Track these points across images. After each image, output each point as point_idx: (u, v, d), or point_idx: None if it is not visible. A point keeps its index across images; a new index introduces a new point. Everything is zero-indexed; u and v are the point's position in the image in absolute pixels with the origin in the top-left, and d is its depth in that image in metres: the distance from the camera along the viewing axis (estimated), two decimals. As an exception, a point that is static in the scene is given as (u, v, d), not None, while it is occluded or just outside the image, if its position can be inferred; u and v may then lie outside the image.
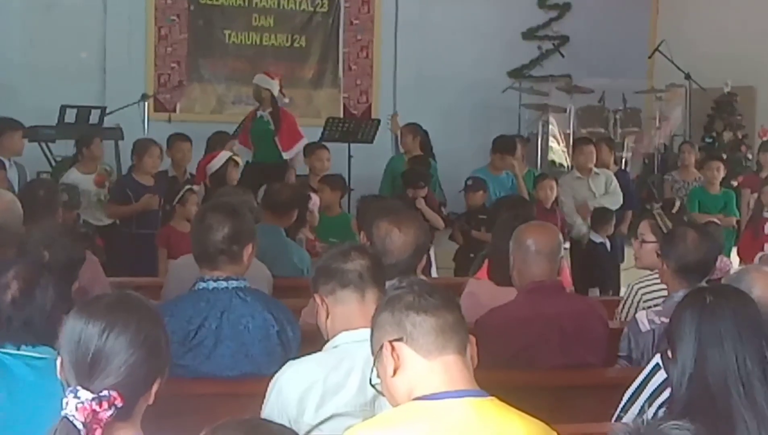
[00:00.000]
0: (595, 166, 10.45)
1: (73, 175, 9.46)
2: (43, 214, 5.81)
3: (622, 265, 10.02)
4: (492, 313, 4.64)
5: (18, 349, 3.22)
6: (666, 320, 4.04)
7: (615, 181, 10.45)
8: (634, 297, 5.78)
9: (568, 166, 12.95)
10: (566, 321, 4.61)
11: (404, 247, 4.36)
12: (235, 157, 9.46)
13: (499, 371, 4.16)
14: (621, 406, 3.75)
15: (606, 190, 10.29)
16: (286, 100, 11.05)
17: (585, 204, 10.08)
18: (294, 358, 3.56)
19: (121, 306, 2.54)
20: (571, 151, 12.95)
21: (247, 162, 10.16)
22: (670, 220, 6.04)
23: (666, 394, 3.59)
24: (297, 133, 10.49)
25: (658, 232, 5.90)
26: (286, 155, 10.33)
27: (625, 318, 5.70)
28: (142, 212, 8.91)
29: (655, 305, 5.55)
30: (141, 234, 8.74)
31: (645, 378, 3.69)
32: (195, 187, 8.70)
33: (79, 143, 9.86)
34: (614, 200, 10.25)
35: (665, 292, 5.48)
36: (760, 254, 8.73)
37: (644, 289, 5.77)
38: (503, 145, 10.78)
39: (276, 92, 10.59)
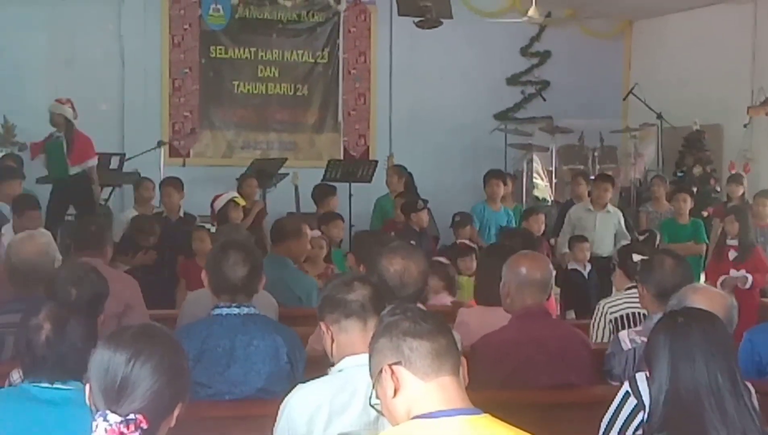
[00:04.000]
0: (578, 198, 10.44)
1: (128, 213, 9.94)
2: (96, 247, 5.78)
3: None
4: (486, 339, 4.66)
5: (51, 384, 3.23)
6: (645, 339, 4.06)
7: (623, 224, 10.42)
8: (601, 313, 5.87)
9: (551, 201, 13.00)
10: (552, 344, 4.62)
11: (420, 278, 4.39)
12: (236, 199, 9.49)
13: (491, 391, 4.17)
14: (601, 432, 3.75)
15: (618, 231, 10.24)
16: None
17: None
18: (302, 381, 3.58)
19: (145, 336, 2.56)
20: (554, 187, 13.05)
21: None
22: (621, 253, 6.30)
23: (639, 417, 3.60)
24: (88, 153, 10.64)
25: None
26: (72, 169, 10.47)
27: (596, 335, 5.79)
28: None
29: (618, 316, 5.68)
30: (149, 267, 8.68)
31: (618, 405, 3.70)
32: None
33: (134, 187, 10.33)
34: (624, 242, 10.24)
35: (627, 306, 5.58)
36: (721, 278, 8.78)
37: (610, 304, 5.88)
38: (493, 173, 10.75)
39: (69, 116, 10.63)
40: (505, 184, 10.83)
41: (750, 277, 8.87)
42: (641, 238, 9.81)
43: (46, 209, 9.77)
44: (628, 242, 9.94)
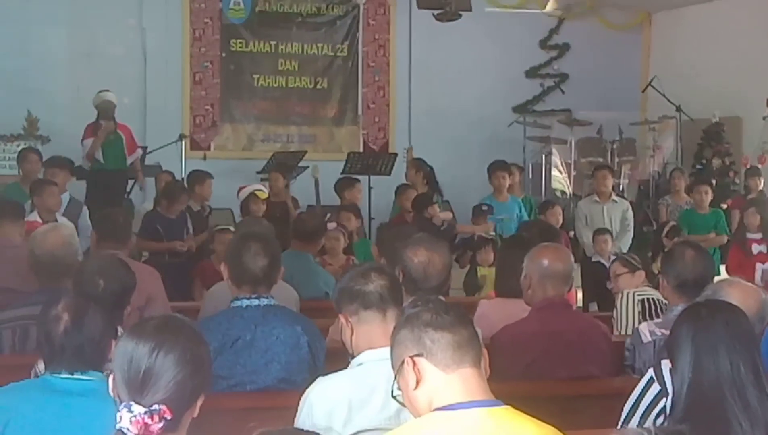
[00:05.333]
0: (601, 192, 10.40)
1: (148, 205, 10.05)
2: (120, 238, 5.80)
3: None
4: (506, 330, 4.65)
5: (71, 374, 3.24)
6: (665, 332, 4.04)
7: (630, 214, 10.37)
8: (626, 302, 5.86)
9: (569, 194, 12.95)
10: (572, 336, 4.60)
11: (443, 270, 4.40)
12: (258, 192, 9.50)
13: (511, 382, 4.16)
14: (622, 418, 3.74)
15: (621, 223, 10.21)
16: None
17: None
18: (323, 373, 3.57)
19: (168, 328, 2.56)
20: (572, 180, 13.00)
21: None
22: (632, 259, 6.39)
23: (662, 404, 3.59)
24: (135, 144, 10.89)
25: (629, 265, 6.42)
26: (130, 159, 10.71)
27: (622, 321, 5.78)
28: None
29: (646, 299, 5.69)
30: (172, 263, 8.67)
31: (642, 391, 3.68)
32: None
33: (155, 179, 10.54)
34: (627, 238, 10.20)
35: (652, 291, 5.57)
36: (759, 270, 8.79)
37: (630, 293, 5.86)
38: (498, 165, 10.71)
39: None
40: (510, 174, 10.75)
41: (760, 269, 8.86)
42: (665, 230, 9.71)
43: (86, 199, 9.94)
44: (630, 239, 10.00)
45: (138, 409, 2.39)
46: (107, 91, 10.83)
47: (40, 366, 3.67)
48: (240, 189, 9.78)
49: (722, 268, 9.82)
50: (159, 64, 12.94)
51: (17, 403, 3.16)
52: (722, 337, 3.09)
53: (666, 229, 9.67)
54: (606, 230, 9.89)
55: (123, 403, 2.43)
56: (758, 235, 9.23)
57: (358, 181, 10.49)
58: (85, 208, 8.86)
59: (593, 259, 9.84)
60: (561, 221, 10.02)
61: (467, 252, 9.52)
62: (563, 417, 3.05)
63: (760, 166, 12.01)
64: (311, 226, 7.17)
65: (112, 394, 2.53)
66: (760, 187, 11.21)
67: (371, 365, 3.36)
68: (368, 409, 3.30)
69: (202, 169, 10.42)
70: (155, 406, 2.40)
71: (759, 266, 8.93)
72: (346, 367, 3.51)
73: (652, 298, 5.89)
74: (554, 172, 13.53)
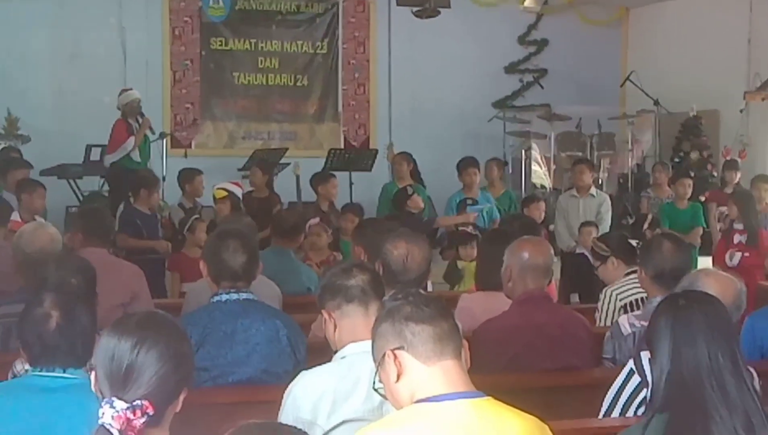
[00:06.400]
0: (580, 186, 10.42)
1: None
2: (105, 236, 5.89)
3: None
4: (488, 324, 4.66)
5: (64, 372, 3.23)
6: (645, 323, 4.05)
7: (608, 207, 10.34)
8: (609, 300, 5.82)
9: (549, 188, 12.99)
10: (554, 329, 4.62)
11: (422, 263, 4.43)
12: (215, 192, 9.40)
13: (494, 375, 4.18)
14: (604, 409, 3.76)
15: (596, 217, 10.23)
16: None
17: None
18: (305, 367, 3.58)
19: (150, 324, 2.55)
20: (552, 174, 13.03)
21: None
22: (605, 244, 6.22)
23: (642, 394, 3.61)
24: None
25: (598, 255, 6.17)
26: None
27: (604, 321, 5.74)
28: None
29: (629, 301, 5.64)
30: (147, 259, 8.62)
31: (622, 382, 3.71)
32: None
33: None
34: (602, 229, 10.15)
35: (637, 291, 5.54)
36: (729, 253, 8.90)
37: (616, 291, 5.81)
38: (469, 162, 10.73)
39: None
40: (484, 170, 10.77)
41: (738, 255, 8.90)
42: (647, 223, 9.76)
43: (114, 196, 10.05)
44: (606, 230, 10.01)
45: (120, 404, 2.38)
46: (130, 89, 10.93)
47: (18, 367, 3.65)
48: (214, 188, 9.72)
49: (702, 260, 9.88)
50: (139, 63, 12.89)
51: (4, 402, 3.15)
52: (701, 327, 3.10)
53: (647, 222, 9.71)
54: (592, 223, 9.92)
55: (105, 399, 2.43)
56: (741, 226, 9.30)
57: (334, 176, 10.47)
58: None
59: (577, 251, 9.87)
60: (543, 216, 10.05)
61: (452, 246, 9.52)
62: (545, 408, 3.06)
63: (739, 160, 12.06)
64: (291, 222, 7.19)
65: (94, 390, 2.53)
66: (736, 181, 11.27)
67: (354, 358, 3.37)
68: (352, 401, 3.31)
69: (186, 166, 10.44)
70: (137, 402, 2.40)
71: (733, 253, 8.99)
72: (329, 362, 3.52)
73: (636, 300, 5.71)
74: (534, 167, 13.56)
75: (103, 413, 2.38)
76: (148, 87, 12.83)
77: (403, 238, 4.46)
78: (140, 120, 10.72)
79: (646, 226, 9.84)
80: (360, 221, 7.79)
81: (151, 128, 10.89)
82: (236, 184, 10.04)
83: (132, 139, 10.54)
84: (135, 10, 12.88)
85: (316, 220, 8.44)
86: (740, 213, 9.17)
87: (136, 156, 10.61)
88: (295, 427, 2.22)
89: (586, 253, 9.73)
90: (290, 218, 7.34)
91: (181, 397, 2.54)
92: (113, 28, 12.87)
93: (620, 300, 5.75)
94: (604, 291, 5.95)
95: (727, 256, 8.99)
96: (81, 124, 11.98)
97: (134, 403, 2.39)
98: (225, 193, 9.41)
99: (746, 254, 8.72)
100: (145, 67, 12.93)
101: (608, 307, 5.80)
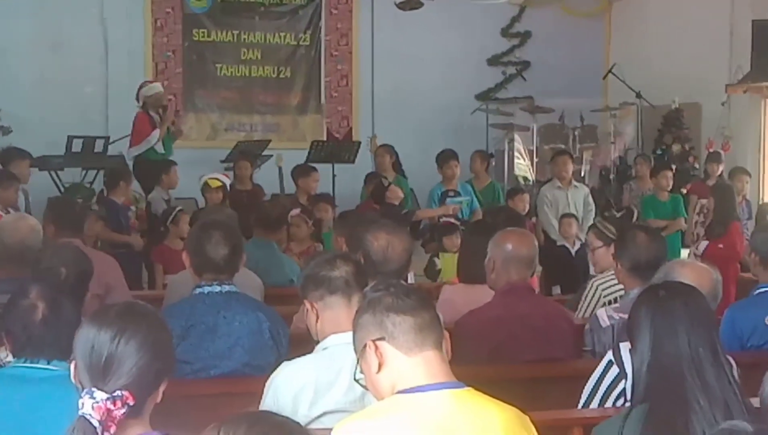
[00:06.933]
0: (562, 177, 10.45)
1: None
2: (77, 227, 5.86)
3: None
4: (470, 315, 4.67)
5: (48, 364, 3.21)
6: (624, 316, 4.06)
7: (591, 199, 10.45)
8: (593, 293, 5.82)
9: (532, 180, 13.00)
10: (536, 320, 4.63)
11: (403, 254, 4.41)
12: (209, 181, 9.42)
13: (476, 366, 4.18)
14: (583, 400, 3.77)
15: (585, 207, 10.27)
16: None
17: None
18: (287, 358, 3.57)
19: (129, 314, 2.55)
20: (535, 166, 13.05)
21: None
22: (612, 225, 6.15)
23: (621, 386, 3.63)
24: None
25: (604, 237, 6.04)
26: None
27: (585, 312, 5.75)
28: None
29: (613, 297, 5.63)
30: (120, 252, 8.60)
31: (601, 374, 3.73)
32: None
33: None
34: (590, 221, 10.24)
35: (619, 288, 5.54)
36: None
37: (603, 285, 5.82)
38: (449, 154, 10.74)
39: None
40: (457, 162, 10.79)
41: (704, 243, 8.93)
42: (618, 214, 9.81)
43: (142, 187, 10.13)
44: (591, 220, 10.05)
45: (100, 395, 2.38)
46: (152, 81, 11.15)
47: (2, 354, 3.63)
48: (201, 179, 9.73)
49: (684, 251, 9.92)
50: (121, 54, 12.83)
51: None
52: (681, 318, 3.12)
53: (634, 216, 9.75)
54: (572, 214, 9.96)
55: (85, 390, 2.42)
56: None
57: (315, 169, 10.46)
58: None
59: (558, 243, 9.91)
60: (528, 208, 10.08)
61: (433, 239, 9.53)
62: (527, 399, 3.08)
63: (722, 152, 12.09)
64: (274, 214, 7.17)
65: (73, 380, 2.52)
66: (719, 173, 11.30)
67: (336, 349, 3.37)
68: (333, 391, 3.31)
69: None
70: (118, 392, 2.39)
71: (699, 241, 9.04)
72: (311, 353, 3.52)
73: (619, 297, 5.51)
74: (517, 159, 13.56)
75: (83, 404, 2.37)
76: (131, 78, 12.75)
77: (383, 229, 4.45)
78: (161, 112, 10.78)
79: (635, 219, 9.84)
80: (341, 213, 7.79)
81: (173, 120, 10.98)
82: (225, 175, 10.09)
83: (157, 132, 10.63)
84: (117, 1, 12.82)
85: (297, 210, 8.44)
86: (715, 204, 9.17)
87: (160, 148, 10.68)
88: (282, 416, 2.22)
89: (567, 245, 9.82)
90: (274, 210, 7.33)
91: (161, 388, 2.54)
92: (95, 18, 12.80)
93: (605, 296, 5.75)
94: (591, 282, 5.95)
95: (693, 246, 9.02)
96: (63, 115, 11.93)
97: (114, 394, 2.38)
98: (219, 184, 9.45)
99: (720, 246, 8.72)
100: (128, 58, 12.87)
101: (591, 299, 5.81)
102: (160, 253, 8.33)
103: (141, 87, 10.97)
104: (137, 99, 10.88)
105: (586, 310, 5.77)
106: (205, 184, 9.43)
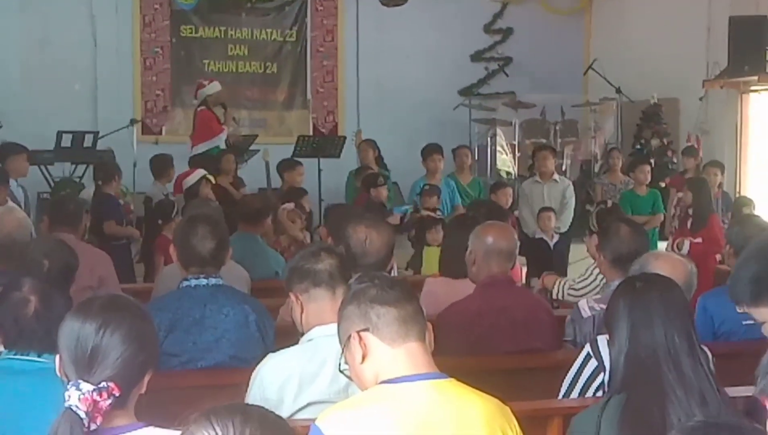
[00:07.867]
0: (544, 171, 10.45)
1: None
2: (72, 223, 5.84)
3: (570, 259, 10.11)
4: (451, 308, 4.67)
5: (39, 357, 3.19)
6: (604, 306, 4.07)
7: (571, 193, 10.43)
8: (594, 278, 5.88)
9: (514, 174, 13.02)
10: (517, 312, 4.63)
11: (382, 248, 4.39)
12: (208, 176, 9.43)
13: (457, 357, 4.18)
14: (562, 392, 3.78)
15: (561, 202, 10.28)
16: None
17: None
18: (273, 350, 3.57)
19: (113, 306, 2.55)
20: (517, 161, 13.07)
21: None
22: (598, 219, 6.20)
23: (600, 379, 3.63)
24: None
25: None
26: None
27: (562, 289, 5.79)
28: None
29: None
30: (114, 245, 8.58)
31: (580, 366, 3.73)
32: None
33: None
34: (566, 216, 10.25)
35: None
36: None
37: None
38: (433, 148, 10.73)
39: None
40: (441, 156, 10.79)
41: (687, 242, 8.94)
42: (604, 207, 9.82)
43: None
44: (571, 217, 10.08)
45: (86, 386, 2.37)
46: (209, 81, 11.26)
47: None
48: (185, 174, 9.65)
49: (662, 245, 9.94)
50: (110, 50, 12.79)
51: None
52: (657, 309, 3.13)
53: (602, 207, 9.77)
54: (549, 208, 9.98)
55: (71, 382, 2.41)
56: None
57: (300, 163, 10.48)
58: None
59: (536, 236, 9.95)
60: (510, 202, 10.09)
61: (418, 232, 9.52)
62: (508, 390, 3.08)
63: (697, 146, 12.14)
64: (256, 207, 7.15)
65: (58, 373, 2.52)
66: (694, 165, 11.34)
67: (321, 340, 3.37)
68: (318, 382, 3.31)
69: (158, 153, 10.44)
70: (103, 384, 2.39)
71: (683, 241, 9.04)
72: (296, 345, 3.51)
73: None
74: (499, 154, 13.58)
75: (69, 396, 2.36)
76: (119, 74, 12.78)
77: (363, 222, 4.44)
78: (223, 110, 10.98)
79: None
80: (329, 206, 7.78)
81: (234, 118, 11.23)
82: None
83: (225, 132, 10.85)
84: (105, -2, 12.79)
85: (291, 205, 8.44)
86: (693, 198, 9.19)
87: (222, 144, 10.83)
88: (261, 407, 2.21)
89: (546, 238, 9.85)
90: (255, 203, 7.31)
91: (146, 379, 2.54)
92: (84, 14, 12.76)
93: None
94: (589, 268, 5.98)
95: (675, 245, 9.00)
96: (52, 111, 11.90)
97: (100, 385, 2.38)
98: (211, 178, 9.48)
99: (698, 240, 8.74)
100: (116, 54, 12.84)
101: (591, 283, 5.86)
102: (161, 244, 8.30)
103: (199, 87, 11.13)
104: (195, 97, 11.12)
105: (582, 290, 5.81)
106: (205, 178, 9.37)
